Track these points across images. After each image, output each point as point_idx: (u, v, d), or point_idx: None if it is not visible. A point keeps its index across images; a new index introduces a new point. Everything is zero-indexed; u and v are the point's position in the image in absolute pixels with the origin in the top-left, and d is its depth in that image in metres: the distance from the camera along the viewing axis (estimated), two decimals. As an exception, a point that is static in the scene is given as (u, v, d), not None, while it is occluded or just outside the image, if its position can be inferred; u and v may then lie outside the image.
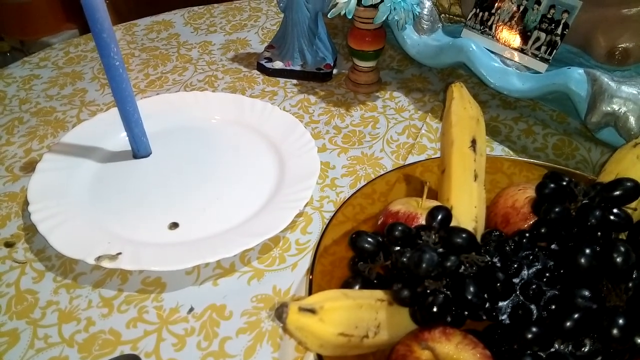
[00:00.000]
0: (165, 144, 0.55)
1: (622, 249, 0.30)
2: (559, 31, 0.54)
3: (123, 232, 0.45)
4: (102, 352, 0.38)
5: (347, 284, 0.36)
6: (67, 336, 0.39)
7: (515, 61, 0.58)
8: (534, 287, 0.33)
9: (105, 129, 0.55)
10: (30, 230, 0.46)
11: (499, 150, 0.56)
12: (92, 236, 0.44)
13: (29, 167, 0.53)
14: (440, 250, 0.33)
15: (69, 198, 0.48)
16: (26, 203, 0.46)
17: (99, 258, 0.41)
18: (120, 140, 0.54)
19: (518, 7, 0.57)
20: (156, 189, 0.50)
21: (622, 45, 0.53)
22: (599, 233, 0.33)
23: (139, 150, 0.53)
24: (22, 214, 0.48)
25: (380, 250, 0.35)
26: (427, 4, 0.64)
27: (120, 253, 0.42)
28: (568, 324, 0.29)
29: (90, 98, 0.64)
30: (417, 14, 0.59)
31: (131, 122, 0.51)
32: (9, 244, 0.46)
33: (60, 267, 0.44)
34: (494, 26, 0.59)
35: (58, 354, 0.38)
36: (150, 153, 0.54)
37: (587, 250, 0.32)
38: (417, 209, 0.39)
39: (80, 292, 0.42)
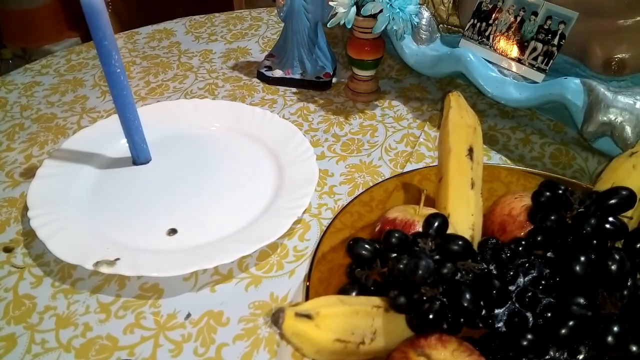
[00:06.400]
0: (165, 151, 0.55)
1: (617, 257, 0.30)
2: (555, 42, 0.55)
3: (121, 238, 0.45)
4: (99, 358, 0.38)
5: (343, 291, 0.36)
6: (65, 341, 0.39)
7: (512, 71, 0.59)
8: (529, 294, 0.33)
9: (105, 135, 0.56)
10: (29, 236, 0.47)
11: (497, 159, 0.56)
12: (90, 242, 0.44)
13: (29, 173, 0.53)
14: (437, 257, 0.33)
15: (68, 204, 0.48)
16: (26, 208, 0.46)
17: (97, 264, 0.41)
18: (120, 147, 0.55)
19: (515, 18, 0.58)
20: (155, 195, 0.51)
21: (619, 56, 0.54)
22: (595, 241, 0.34)
23: (138, 157, 0.54)
24: (22, 219, 0.48)
25: (377, 257, 0.35)
26: (426, 14, 0.65)
27: (118, 259, 0.42)
28: (563, 331, 0.30)
29: (91, 105, 0.65)
30: (416, 24, 0.60)
31: (131, 129, 0.51)
32: (7, 249, 0.46)
33: (59, 272, 0.44)
34: (491, 36, 0.60)
35: (55, 359, 0.38)
36: (150, 160, 0.54)
37: (583, 258, 0.32)
38: (415, 216, 0.39)
39: (78, 298, 0.42)
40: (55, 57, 0.74)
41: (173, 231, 0.47)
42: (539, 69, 0.57)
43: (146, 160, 0.54)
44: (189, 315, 0.41)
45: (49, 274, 0.44)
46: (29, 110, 0.64)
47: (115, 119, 0.52)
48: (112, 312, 0.41)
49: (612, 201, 0.35)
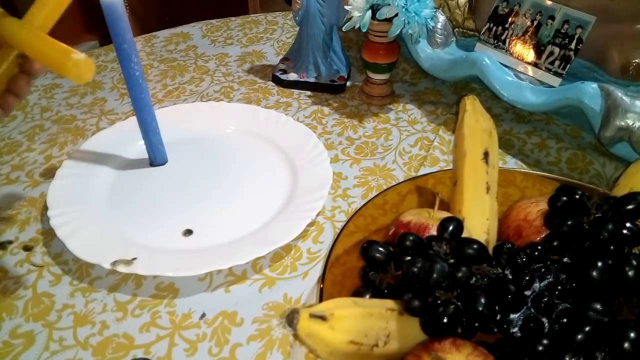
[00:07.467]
0: (181, 153, 0.56)
1: (635, 262, 0.30)
2: (572, 46, 0.55)
3: (138, 238, 0.46)
4: (115, 356, 0.38)
5: (357, 293, 0.36)
6: (82, 339, 0.39)
7: (528, 75, 0.58)
8: (545, 299, 0.32)
9: (123, 137, 0.56)
10: (49, 235, 0.47)
11: (512, 163, 0.56)
12: (108, 241, 0.45)
13: (49, 173, 0.55)
14: (452, 261, 0.33)
15: (87, 204, 0.49)
16: (45, 208, 0.47)
17: (114, 263, 0.42)
18: (137, 149, 0.56)
19: (532, 22, 0.58)
20: (171, 196, 0.51)
21: (636, 61, 0.53)
22: (612, 247, 0.33)
23: (155, 158, 0.54)
24: (41, 218, 0.49)
25: (391, 260, 0.35)
26: (441, 18, 0.65)
27: (135, 258, 0.42)
28: (579, 337, 0.29)
29: (110, 107, 0.66)
30: (431, 27, 0.60)
31: (149, 131, 0.52)
32: (27, 248, 0.47)
33: (77, 271, 0.44)
34: (507, 40, 0.60)
35: (72, 357, 0.38)
36: (167, 161, 0.55)
37: (600, 264, 0.32)
38: (429, 220, 0.39)
39: (96, 296, 0.42)
40: (74, 60, 0.75)
41: (189, 232, 0.47)
42: (556, 73, 0.56)
43: (163, 162, 0.55)
44: (203, 315, 0.41)
45: (67, 273, 0.44)
46: (49, 112, 0.65)
47: (133, 120, 0.53)
48: (129, 311, 0.41)
49: (630, 207, 0.35)
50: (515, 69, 0.59)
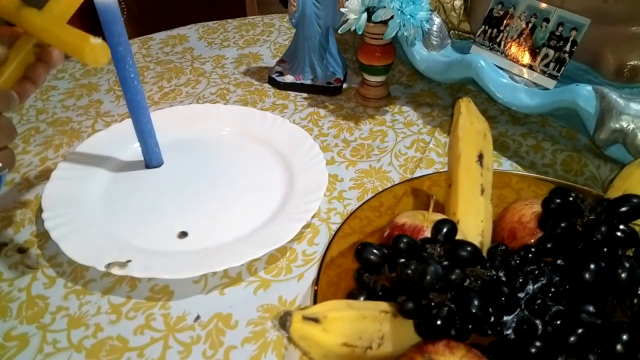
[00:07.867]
0: (177, 155, 0.56)
1: (627, 264, 0.30)
2: (567, 48, 0.55)
3: (133, 240, 0.46)
4: (109, 358, 0.38)
5: (352, 296, 0.36)
6: (76, 341, 0.39)
7: (523, 77, 0.58)
8: (539, 302, 0.33)
9: (119, 139, 0.56)
10: (43, 237, 0.47)
11: (508, 165, 0.56)
12: (103, 243, 0.45)
13: (44, 176, 0.54)
14: (445, 263, 0.33)
15: (82, 206, 0.49)
16: (40, 210, 0.47)
17: (109, 265, 0.42)
18: (133, 151, 0.55)
19: (527, 24, 0.58)
20: (167, 198, 0.51)
21: (631, 63, 0.54)
22: (605, 249, 0.33)
23: (151, 160, 0.54)
24: (36, 220, 0.49)
25: (386, 262, 0.35)
26: (437, 20, 0.65)
27: (130, 260, 0.42)
28: (572, 339, 0.29)
29: (106, 109, 0.66)
30: (427, 30, 0.60)
31: (144, 133, 0.52)
32: (22, 250, 0.46)
33: (71, 273, 0.44)
34: (502, 43, 0.60)
35: (66, 359, 0.38)
36: (162, 163, 0.55)
37: (593, 266, 0.32)
38: (423, 222, 0.39)
39: (90, 299, 0.42)
40: (70, 62, 0.75)
41: (184, 234, 0.47)
42: (551, 76, 0.56)
43: (158, 164, 0.55)
44: (198, 318, 0.41)
45: (61, 275, 0.44)
46: (44, 114, 0.65)
47: (128, 123, 0.53)
48: (123, 313, 0.41)
49: (623, 209, 0.35)
50: (511, 71, 0.59)
